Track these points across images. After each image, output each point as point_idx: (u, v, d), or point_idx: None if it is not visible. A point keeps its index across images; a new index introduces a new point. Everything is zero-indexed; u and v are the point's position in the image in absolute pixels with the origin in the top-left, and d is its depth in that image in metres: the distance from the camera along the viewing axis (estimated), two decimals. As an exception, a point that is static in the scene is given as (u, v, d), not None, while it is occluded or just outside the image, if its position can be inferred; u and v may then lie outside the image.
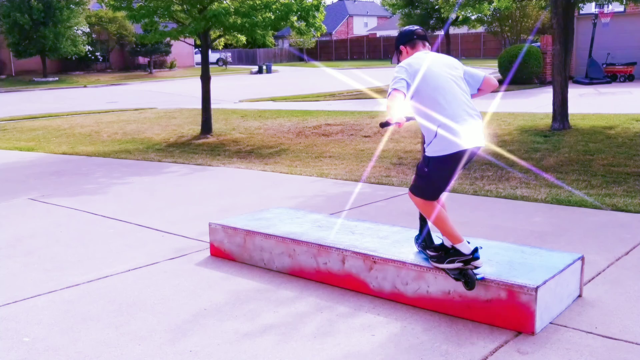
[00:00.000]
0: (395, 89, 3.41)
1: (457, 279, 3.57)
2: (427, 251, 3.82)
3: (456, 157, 3.46)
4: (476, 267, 3.54)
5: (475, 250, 3.51)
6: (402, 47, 3.81)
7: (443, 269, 3.63)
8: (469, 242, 3.57)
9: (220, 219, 5.17)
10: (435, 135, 3.47)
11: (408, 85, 3.46)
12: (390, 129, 3.95)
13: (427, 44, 3.84)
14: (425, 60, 3.58)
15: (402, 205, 6.40)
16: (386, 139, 11.21)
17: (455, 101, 3.49)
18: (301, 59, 56.22)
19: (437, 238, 3.92)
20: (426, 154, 3.58)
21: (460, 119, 3.45)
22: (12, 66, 42.69)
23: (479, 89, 3.77)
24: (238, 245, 4.80)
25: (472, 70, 3.80)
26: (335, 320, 3.67)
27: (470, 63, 38.56)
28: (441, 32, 28.22)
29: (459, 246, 3.56)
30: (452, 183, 3.79)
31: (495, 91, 4.89)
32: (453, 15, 23.24)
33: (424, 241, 3.94)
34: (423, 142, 3.69)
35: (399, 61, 3.73)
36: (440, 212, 3.62)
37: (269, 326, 3.61)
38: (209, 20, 11.94)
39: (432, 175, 3.58)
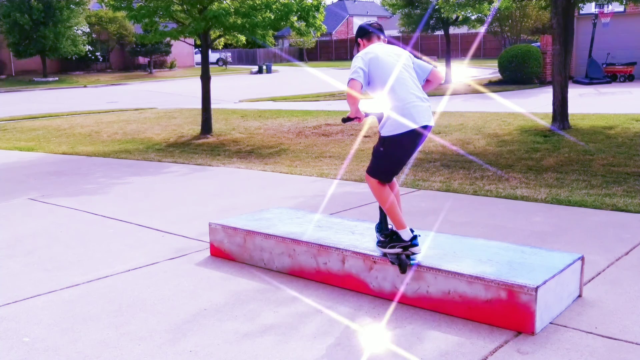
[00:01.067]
0: (352, 79, 3.77)
1: (392, 263, 3.86)
2: (379, 236, 4.10)
3: (408, 136, 3.79)
4: (414, 254, 3.86)
5: (414, 237, 3.84)
6: (359, 40, 4.16)
7: (385, 253, 3.93)
8: (412, 230, 3.87)
9: (220, 219, 5.17)
10: (388, 117, 3.83)
11: (364, 73, 3.81)
12: (354, 123, 4.33)
13: (382, 36, 4.15)
14: (378, 50, 3.93)
15: (403, 205, 6.40)
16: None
17: (405, 86, 3.83)
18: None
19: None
20: (381, 134, 3.91)
21: (410, 102, 3.81)
22: (12, 66, 42.69)
23: (427, 80, 4.07)
24: (238, 245, 4.80)
25: (421, 62, 4.09)
26: (335, 320, 3.67)
27: (470, 63, 38.58)
28: (440, 32, 28.20)
29: (401, 232, 3.87)
30: (407, 168, 4.07)
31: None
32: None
33: (380, 226, 4.19)
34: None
35: (357, 52, 4.08)
36: (391, 198, 3.95)
37: (269, 326, 3.61)
38: (209, 20, 11.94)
39: (386, 155, 3.92)
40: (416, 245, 3.83)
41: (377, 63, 3.84)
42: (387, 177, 3.99)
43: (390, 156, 3.91)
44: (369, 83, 3.85)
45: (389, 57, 3.89)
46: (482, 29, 31.39)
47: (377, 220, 4.26)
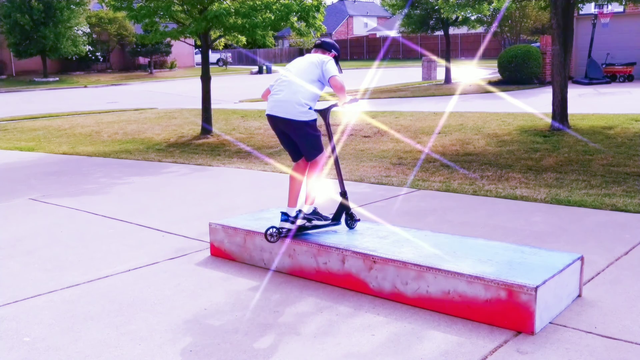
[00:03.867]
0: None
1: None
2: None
3: (268, 118, 4.59)
4: (282, 228, 4.50)
5: (282, 215, 4.52)
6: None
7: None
8: (284, 213, 4.51)
9: (220, 219, 5.17)
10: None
11: None
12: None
13: (316, 50, 4.76)
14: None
15: (402, 206, 6.42)
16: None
17: (276, 83, 4.60)
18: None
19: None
20: None
21: (271, 94, 4.59)
22: (12, 66, 42.72)
23: (331, 85, 4.48)
24: (238, 245, 4.81)
25: (328, 69, 4.45)
26: (335, 320, 3.67)
27: (470, 63, 38.59)
28: (440, 32, 28.21)
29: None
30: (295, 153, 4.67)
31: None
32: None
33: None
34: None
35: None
36: (290, 177, 4.69)
37: (269, 326, 3.62)
38: (210, 20, 11.95)
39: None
40: (282, 221, 4.49)
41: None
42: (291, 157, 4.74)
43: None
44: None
45: (300, 61, 4.62)
46: (484, 28, 31.37)
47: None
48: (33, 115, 19.60)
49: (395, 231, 4.59)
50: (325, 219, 4.69)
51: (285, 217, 4.49)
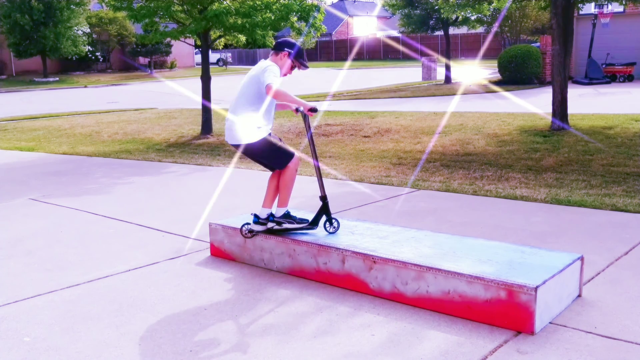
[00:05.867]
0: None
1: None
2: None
3: None
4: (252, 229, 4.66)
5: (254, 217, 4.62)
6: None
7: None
8: (254, 215, 4.62)
9: (220, 219, 5.17)
10: None
11: None
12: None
13: (272, 53, 4.61)
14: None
15: (402, 205, 6.42)
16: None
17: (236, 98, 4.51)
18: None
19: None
20: None
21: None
22: (12, 66, 42.71)
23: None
24: (238, 245, 4.81)
25: (264, 78, 4.28)
26: (335, 320, 3.67)
27: (470, 63, 38.54)
28: (440, 32, 28.21)
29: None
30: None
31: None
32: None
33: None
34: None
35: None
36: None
37: (269, 326, 3.62)
38: (210, 20, 11.95)
39: None
40: (254, 222, 4.61)
41: None
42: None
43: None
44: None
45: (247, 74, 4.53)
46: (484, 28, 31.36)
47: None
48: (33, 115, 19.60)
49: (395, 231, 4.59)
50: (301, 221, 4.58)
51: (256, 219, 4.59)
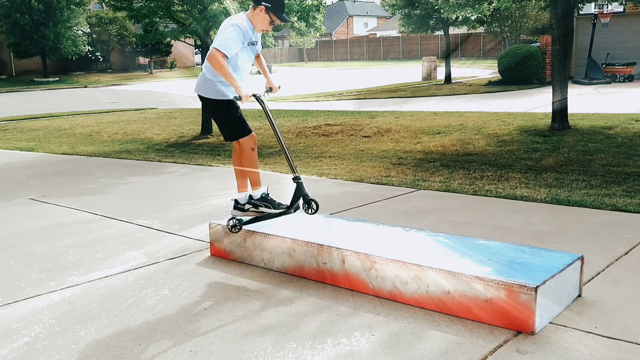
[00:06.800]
0: None
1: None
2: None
3: None
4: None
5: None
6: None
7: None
8: (235, 200, 4.71)
9: (220, 219, 5.17)
10: None
11: None
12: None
13: (251, 7, 4.48)
14: None
15: (402, 205, 6.41)
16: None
17: None
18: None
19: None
20: None
21: None
22: (12, 66, 42.73)
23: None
24: (238, 245, 4.81)
25: (218, 37, 4.26)
26: (335, 320, 3.67)
27: (470, 63, 38.55)
28: (440, 32, 28.21)
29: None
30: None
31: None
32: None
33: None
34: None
35: None
36: None
37: (269, 326, 3.62)
38: (210, 20, 11.95)
39: None
40: (234, 208, 4.70)
41: None
42: None
43: None
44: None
45: None
46: (484, 28, 31.41)
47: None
48: (33, 115, 19.60)
49: (395, 231, 4.59)
50: (279, 206, 4.63)
51: (235, 204, 4.67)
